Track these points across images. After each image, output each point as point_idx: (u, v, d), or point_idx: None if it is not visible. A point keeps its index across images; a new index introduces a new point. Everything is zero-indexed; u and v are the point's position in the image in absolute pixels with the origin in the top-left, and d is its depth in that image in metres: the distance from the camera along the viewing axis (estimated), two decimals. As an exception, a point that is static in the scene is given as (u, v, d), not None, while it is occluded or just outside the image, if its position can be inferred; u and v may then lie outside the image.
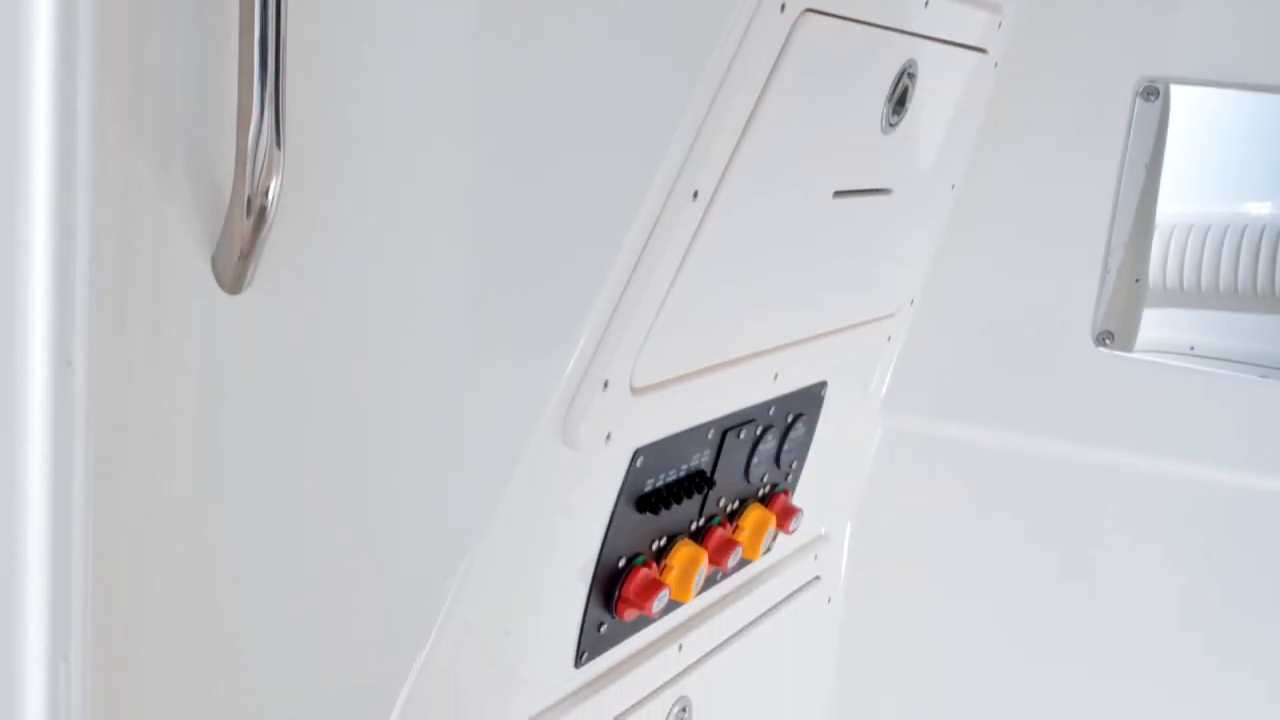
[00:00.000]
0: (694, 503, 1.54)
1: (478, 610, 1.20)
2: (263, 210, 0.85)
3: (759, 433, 1.65)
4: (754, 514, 1.69)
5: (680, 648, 1.65)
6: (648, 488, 1.44)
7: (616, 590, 1.44)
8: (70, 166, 0.79)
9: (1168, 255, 2.61)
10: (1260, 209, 2.56)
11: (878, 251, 1.75)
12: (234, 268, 0.88)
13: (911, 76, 1.51)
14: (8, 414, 0.83)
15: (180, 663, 1.01)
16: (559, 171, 1.14)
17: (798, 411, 1.73)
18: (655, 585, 1.46)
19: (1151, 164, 1.90)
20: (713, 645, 1.74)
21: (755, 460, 1.67)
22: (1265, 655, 1.86)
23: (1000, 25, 1.74)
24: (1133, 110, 1.87)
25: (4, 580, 0.86)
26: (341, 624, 1.13)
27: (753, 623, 1.84)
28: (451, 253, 1.10)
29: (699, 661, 1.70)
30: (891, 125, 1.52)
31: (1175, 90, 1.86)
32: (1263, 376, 1.90)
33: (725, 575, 1.72)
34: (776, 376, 1.61)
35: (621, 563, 1.44)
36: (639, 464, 1.40)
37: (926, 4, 1.47)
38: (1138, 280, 1.99)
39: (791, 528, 1.77)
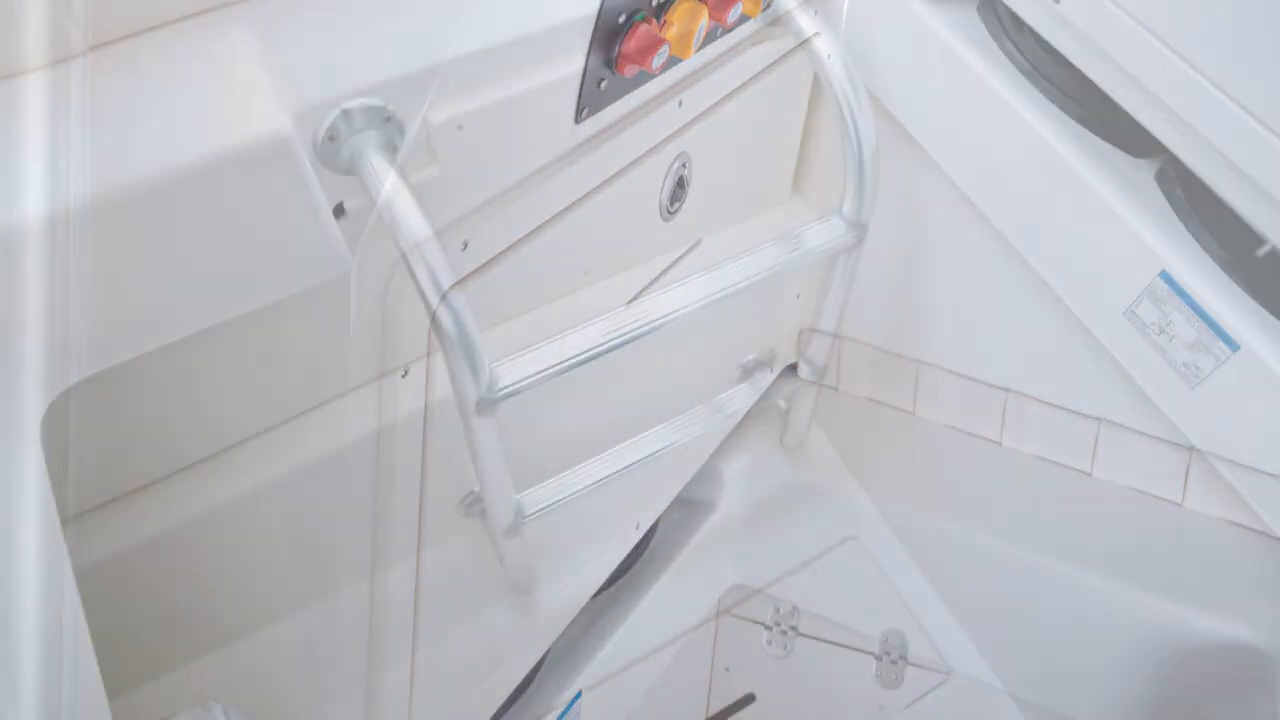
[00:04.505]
0: (694, -43, 1.52)
1: (478, 71, 1.22)
2: None
3: (759, -113, 1.61)
4: (754, -32, 1.67)
5: (681, 104, 1.66)
6: (647, -58, 1.42)
7: (617, 46, 1.45)
8: None
9: None
10: None
11: None
12: None
13: None
14: None
15: None
16: None
17: None
18: (656, 41, 1.46)
19: None
20: (712, 101, 1.76)
21: (756, -86, 1.63)
22: None
23: None
24: None
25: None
26: None
27: (752, 79, 1.85)
28: None
29: (699, 118, 1.72)
30: None
31: None
32: None
33: (725, 31, 1.72)
34: None
35: (622, 19, 1.44)
36: (638, -83, 1.38)
37: None
38: None
39: (792, -18, 1.75)
